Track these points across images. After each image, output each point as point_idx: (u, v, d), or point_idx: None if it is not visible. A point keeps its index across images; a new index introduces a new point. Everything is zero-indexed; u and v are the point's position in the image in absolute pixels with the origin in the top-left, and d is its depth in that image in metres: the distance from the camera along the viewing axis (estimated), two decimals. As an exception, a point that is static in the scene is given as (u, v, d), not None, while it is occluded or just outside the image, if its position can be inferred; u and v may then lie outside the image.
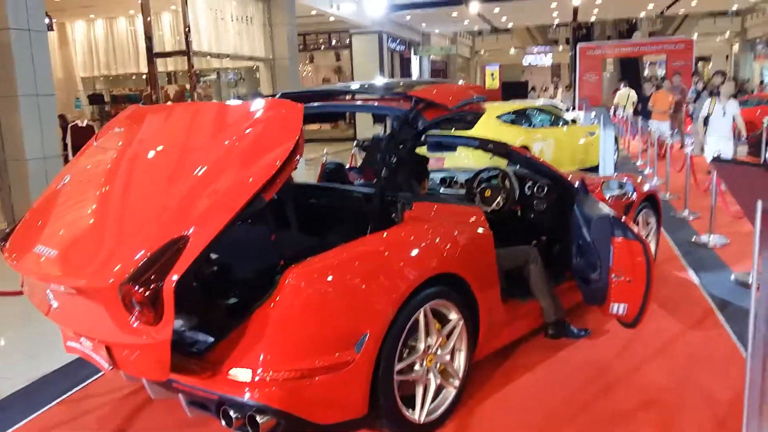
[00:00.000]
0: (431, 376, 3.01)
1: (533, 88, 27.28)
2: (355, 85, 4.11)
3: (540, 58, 36.40)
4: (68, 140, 9.96)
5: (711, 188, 6.29)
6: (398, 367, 2.80)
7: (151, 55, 12.03)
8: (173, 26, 14.88)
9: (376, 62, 21.64)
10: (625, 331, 3.86)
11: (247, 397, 2.45)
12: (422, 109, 3.24)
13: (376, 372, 2.69)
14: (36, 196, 3.18)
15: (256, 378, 2.45)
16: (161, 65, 14.01)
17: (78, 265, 2.50)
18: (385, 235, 2.94)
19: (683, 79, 15.23)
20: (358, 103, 4.00)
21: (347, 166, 4.34)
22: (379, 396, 2.72)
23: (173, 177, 2.70)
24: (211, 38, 13.15)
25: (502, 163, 4.77)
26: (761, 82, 27.86)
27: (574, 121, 11.01)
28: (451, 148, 4.93)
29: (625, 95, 16.90)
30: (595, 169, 9.72)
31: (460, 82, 28.56)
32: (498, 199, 4.26)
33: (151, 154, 2.97)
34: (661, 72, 25.44)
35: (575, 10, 22.11)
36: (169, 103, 15.10)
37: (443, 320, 3.10)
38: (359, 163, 7.03)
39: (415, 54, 26.37)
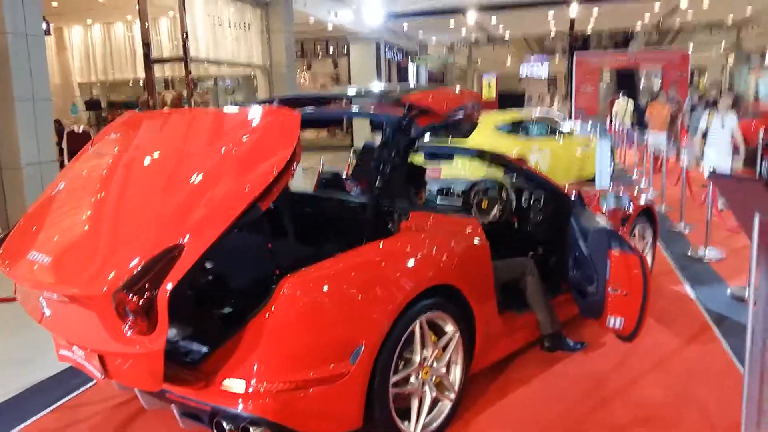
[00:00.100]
0: (427, 388, 2.99)
1: (530, 98, 27.37)
2: (350, 91, 4.07)
3: (537, 68, 36.55)
4: (64, 145, 9.93)
5: (707, 202, 6.29)
6: (393, 379, 2.78)
7: (149, 61, 12.01)
8: (171, 32, 14.88)
9: (373, 70, 21.69)
10: (622, 345, 3.85)
11: (240, 408, 2.42)
12: (415, 116, 3.20)
13: (371, 384, 2.66)
14: (31, 202, 3.16)
15: (250, 389, 2.42)
16: (158, 71, 13.99)
17: (71, 273, 2.47)
18: (381, 245, 2.92)
19: (679, 91, 15.33)
20: (354, 109, 3.95)
21: (344, 175, 4.32)
22: (375, 408, 2.70)
23: (169, 184, 2.68)
24: (208, 45, 13.15)
25: (498, 174, 4.77)
26: (756, 98, 28.00)
27: (570, 132, 11.02)
28: (448, 158, 4.93)
29: (624, 106, 16.97)
30: (592, 181, 9.73)
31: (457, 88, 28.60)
32: (495, 211, 4.25)
33: (147, 160, 2.96)
34: (657, 83, 25.58)
35: (572, 21, 22.23)
36: (166, 109, 15.09)
37: (439, 332, 3.08)
38: (356, 171, 6.98)
39: (412, 62, 26.45)
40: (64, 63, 17.16)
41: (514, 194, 4.34)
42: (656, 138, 11.90)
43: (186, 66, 12.08)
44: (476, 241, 3.34)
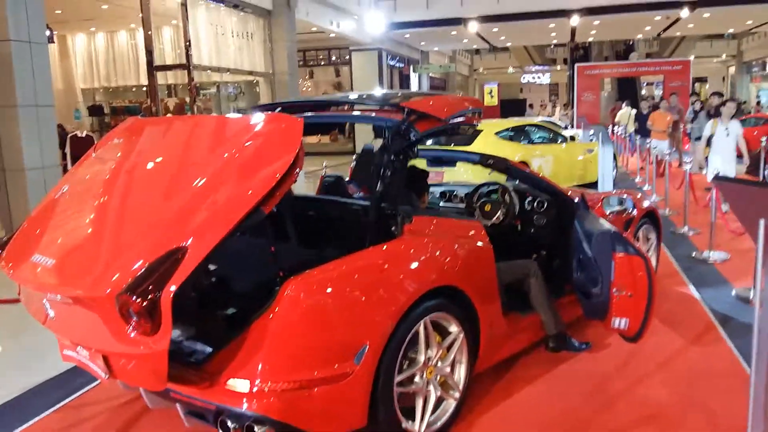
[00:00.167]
0: (431, 388, 2.99)
1: (530, 106, 27.42)
2: (351, 96, 4.08)
3: (538, 77, 36.66)
4: (67, 150, 9.96)
5: (711, 205, 6.30)
6: (398, 378, 2.78)
7: (152, 68, 12.08)
8: (174, 40, 14.96)
9: (375, 78, 21.77)
10: (627, 346, 3.84)
11: (245, 407, 2.42)
12: (414, 121, 3.20)
13: (375, 384, 2.66)
14: (34, 206, 3.16)
15: (255, 388, 2.42)
16: (161, 78, 14.05)
17: (75, 275, 2.47)
18: (384, 248, 2.92)
19: (680, 100, 15.36)
20: (356, 113, 3.95)
21: (346, 179, 4.33)
22: (379, 408, 2.69)
23: (172, 188, 2.68)
24: (211, 52, 13.22)
25: (501, 177, 4.77)
26: (758, 103, 28.09)
27: (573, 138, 11.06)
28: (451, 162, 4.93)
29: (627, 114, 17.06)
30: (593, 185, 9.75)
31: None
32: (498, 214, 4.25)
33: (150, 165, 2.96)
34: (658, 92, 25.64)
35: (573, 31, 22.30)
36: (168, 115, 15.13)
37: (444, 333, 3.08)
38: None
39: (414, 71, 26.53)
40: (67, 69, 17.25)
41: (518, 197, 4.34)
42: (658, 144, 11.95)
43: (189, 73, 12.16)
44: (479, 244, 3.34)
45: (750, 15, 22.12)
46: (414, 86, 26.41)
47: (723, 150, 8.59)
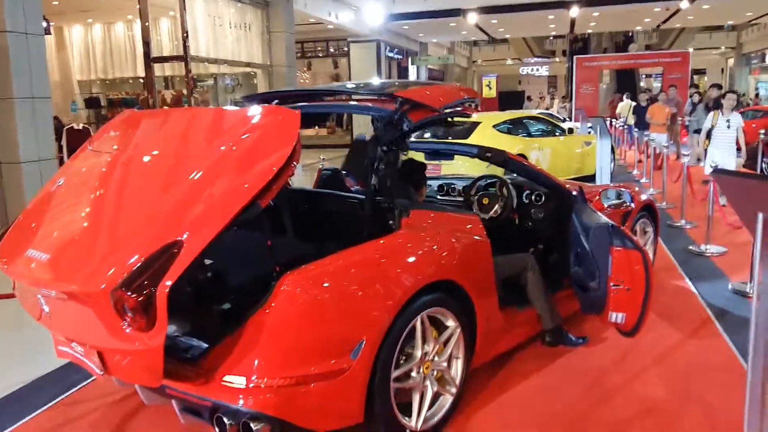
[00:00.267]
0: (428, 383, 2.98)
1: (529, 98, 27.37)
2: (348, 85, 4.01)
3: (537, 69, 36.58)
4: (64, 143, 9.91)
5: (708, 198, 6.29)
6: (395, 374, 2.77)
7: (149, 60, 12.02)
8: (171, 31, 14.85)
9: (373, 70, 21.70)
10: (624, 340, 3.83)
11: (241, 403, 2.41)
12: (407, 111, 3.12)
13: (372, 379, 2.65)
14: (30, 199, 3.14)
15: (251, 385, 2.41)
16: (158, 70, 13.96)
17: (70, 270, 2.46)
18: (382, 242, 2.91)
19: (679, 92, 15.33)
20: (353, 102, 3.89)
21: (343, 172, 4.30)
22: (376, 403, 2.69)
23: (168, 182, 2.66)
24: (209, 44, 13.15)
25: (499, 171, 4.75)
26: (756, 95, 28.07)
27: (571, 131, 11.04)
28: (449, 155, 4.92)
29: (627, 106, 17.04)
30: (591, 178, 9.74)
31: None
32: (495, 207, 4.24)
33: (146, 158, 2.94)
34: (657, 84, 25.60)
35: (572, 22, 22.23)
36: (165, 107, 15.06)
37: (440, 327, 3.07)
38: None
39: (412, 63, 26.45)
40: (63, 60, 17.13)
41: (515, 190, 4.32)
42: (657, 137, 11.94)
43: (186, 65, 12.09)
44: (477, 238, 3.33)
45: (749, 6, 22.08)
46: (412, 78, 26.35)
47: (723, 142, 8.57)
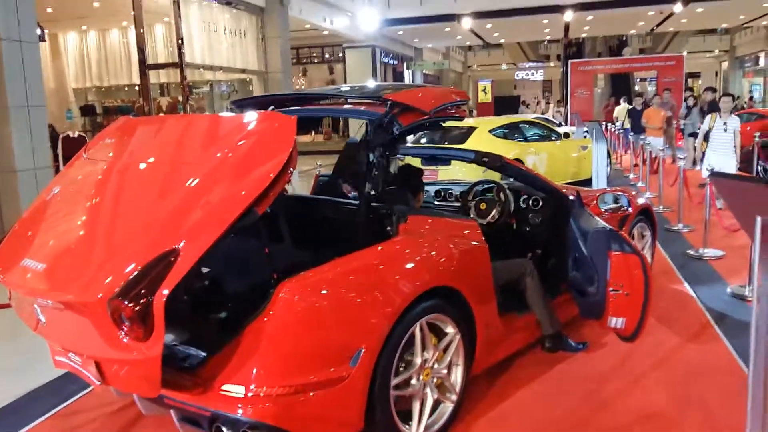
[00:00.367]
0: (428, 390, 2.96)
1: (524, 103, 27.45)
2: (332, 90, 3.97)
3: (531, 74, 36.69)
4: (59, 151, 9.86)
5: (705, 201, 6.30)
6: (394, 381, 2.75)
7: (144, 67, 12.00)
8: (166, 38, 14.85)
9: (369, 76, 21.75)
10: (623, 345, 3.83)
11: (240, 413, 2.39)
12: (398, 114, 3.10)
13: (372, 387, 2.64)
14: (26, 208, 3.12)
15: (250, 394, 2.39)
16: (154, 77, 13.95)
17: (66, 280, 2.43)
18: (379, 249, 2.90)
19: (674, 95, 15.39)
20: (346, 106, 3.78)
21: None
22: (376, 411, 2.67)
23: (164, 189, 2.64)
24: (204, 50, 13.15)
25: (496, 176, 4.74)
26: (750, 98, 28.20)
27: (567, 135, 11.06)
28: (445, 161, 4.90)
29: (623, 110, 17.11)
30: (587, 182, 9.75)
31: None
32: (493, 212, 4.23)
33: (142, 165, 2.92)
34: (651, 88, 25.69)
35: (566, 27, 22.30)
36: (161, 114, 15.05)
37: (440, 334, 3.05)
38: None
39: (407, 68, 26.50)
40: (58, 68, 17.10)
41: (512, 195, 4.32)
42: (653, 141, 11.97)
43: (181, 72, 12.08)
44: (475, 243, 3.31)
45: (742, 10, 22.21)
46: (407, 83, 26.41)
47: (721, 145, 8.58)
